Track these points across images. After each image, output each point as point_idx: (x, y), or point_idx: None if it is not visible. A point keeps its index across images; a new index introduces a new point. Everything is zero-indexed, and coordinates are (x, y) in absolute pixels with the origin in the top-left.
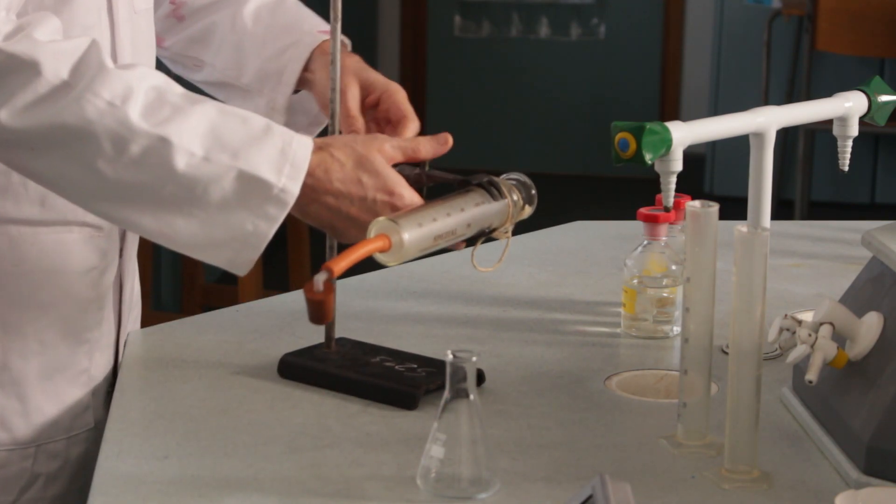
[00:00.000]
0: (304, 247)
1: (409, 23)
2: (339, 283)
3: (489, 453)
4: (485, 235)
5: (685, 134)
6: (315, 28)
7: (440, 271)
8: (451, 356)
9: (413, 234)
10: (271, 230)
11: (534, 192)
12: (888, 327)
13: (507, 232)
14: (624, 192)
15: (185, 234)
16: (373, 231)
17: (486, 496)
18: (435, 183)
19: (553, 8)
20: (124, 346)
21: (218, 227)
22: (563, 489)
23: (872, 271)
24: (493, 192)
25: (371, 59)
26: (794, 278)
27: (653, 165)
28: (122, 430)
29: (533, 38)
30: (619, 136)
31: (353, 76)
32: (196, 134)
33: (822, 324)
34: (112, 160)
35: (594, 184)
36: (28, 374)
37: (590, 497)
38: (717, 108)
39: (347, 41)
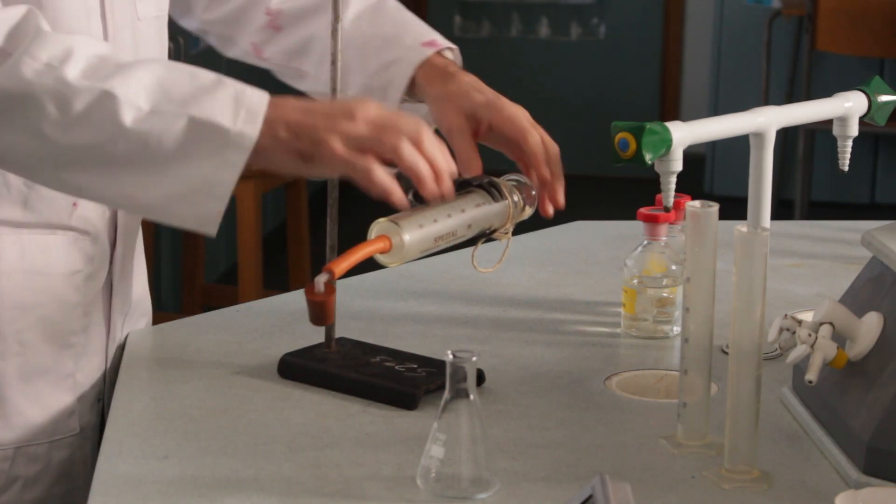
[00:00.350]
0: (304, 247)
1: None
2: (340, 284)
3: (489, 453)
4: (485, 236)
5: (685, 134)
6: (419, 40)
7: (440, 271)
8: (451, 356)
9: (414, 235)
10: (234, 177)
11: (534, 192)
12: (888, 327)
13: (507, 233)
14: (624, 192)
15: (144, 193)
16: (373, 232)
17: (486, 496)
18: None
19: (553, 8)
20: (117, 351)
21: (177, 180)
22: (563, 489)
23: (872, 271)
24: (494, 193)
25: None
26: (794, 278)
27: (653, 165)
28: (122, 430)
29: (533, 38)
30: (619, 136)
31: (456, 108)
32: (142, 88)
33: (822, 324)
34: (57, 122)
35: (594, 184)
36: (6, 375)
37: (590, 497)
38: (717, 108)
39: (456, 54)
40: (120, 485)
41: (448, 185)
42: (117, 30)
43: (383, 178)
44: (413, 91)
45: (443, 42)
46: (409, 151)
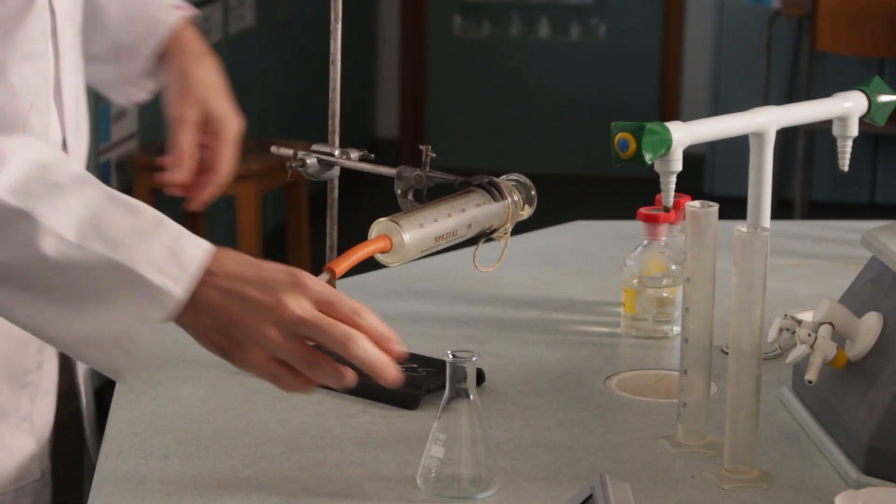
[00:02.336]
0: (304, 247)
1: (409, 23)
2: (340, 283)
3: (489, 453)
4: (486, 236)
5: (685, 134)
6: (168, 1)
7: (440, 271)
8: (450, 356)
9: (414, 234)
10: (148, 333)
11: (533, 192)
12: (888, 327)
13: (506, 232)
14: (624, 192)
15: (54, 326)
16: (374, 232)
17: (486, 496)
18: (435, 183)
19: (553, 8)
20: (74, 387)
21: (89, 322)
22: (563, 489)
23: (872, 271)
24: (494, 192)
25: (371, 59)
26: (794, 278)
27: (653, 165)
28: (122, 430)
29: (533, 38)
30: (619, 136)
31: (193, 101)
32: (71, 217)
33: (821, 324)
34: None
35: (594, 184)
36: None
37: (590, 497)
38: (717, 108)
39: (198, 13)
40: (120, 485)
41: (397, 347)
42: (65, 49)
43: (301, 387)
44: (160, 56)
45: (189, 7)
46: (357, 350)
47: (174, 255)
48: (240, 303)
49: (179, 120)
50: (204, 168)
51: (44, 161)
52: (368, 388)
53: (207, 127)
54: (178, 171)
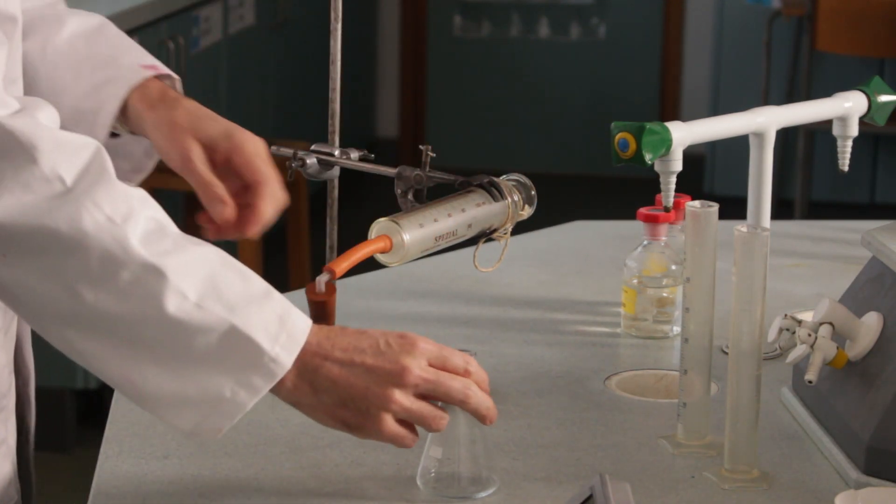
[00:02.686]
0: (304, 247)
1: (409, 23)
2: (339, 283)
3: (488, 453)
4: (486, 236)
5: (685, 134)
6: (137, 62)
7: (440, 271)
8: None
9: (414, 234)
10: (251, 402)
11: (533, 192)
12: (888, 327)
13: (506, 232)
14: (624, 192)
15: (153, 384)
16: (374, 232)
17: (485, 495)
18: (435, 183)
19: (553, 8)
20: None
21: (192, 384)
22: (563, 489)
23: (872, 271)
24: (494, 192)
25: (371, 59)
26: (794, 278)
27: (653, 165)
28: (122, 430)
29: (533, 38)
30: (619, 136)
31: (188, 134)
32: (194, 276)
33: (821, 324)
34: (96, 282)
35: (594, 184)
36: None
37: (590, 497)
38: (717, 108)
39: (176, 77)
40: (120, 485)
41: (493, 417)
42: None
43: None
44: (128, 118)
45: (164, 69)
46: (475, 400)
47: (284, 324)
48: (363, 374)
49: (184, 158)
50: (239, 193)
51: (157, 216)
52: None
53: (216, 154)
54: (220, 206)
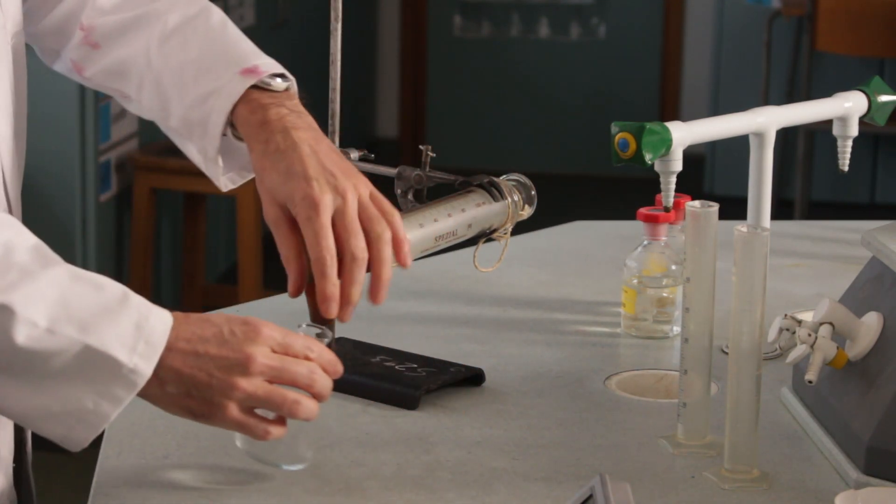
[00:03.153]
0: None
1: (409, 23)
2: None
3: (307, 432)
4: (486, 236)
5: (685, 134)
6: (236, 67)
7: (440, 271)
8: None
9: (414, 234)
10: (114, 411)
11: (533, 192)
12: (888, 327)
13: (506, 232)
14: (624, 192)
15: (14, 400)
16: None
17: (293, 469)
18: (435, 183)
19: (553, 8)
20: None
21: (53, 398)
22: (563, 489)
23: (872, 271)
24: (494, 192)
25: (371, 59)
26: (794, 278)
27: (653, 165)
28: (122, 430)
29: (533, 38)
30: (619, 136)
31: (267, 196)
32: (42, 302)
33: (821, 324)
34: None
35: (594, 184)
36: None
37: (590, 497)
38: (717, 108)
39: (290, 84)
40: (120, 485)
41: (340, 369)
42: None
43: (277, 434)
44: (235, 131)
45: (266, 67)
46: (306, 408)
47: (141, 332)
48: (206, 363)
49: (268, 221)
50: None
51: (6, 240)
52: (368, 389)
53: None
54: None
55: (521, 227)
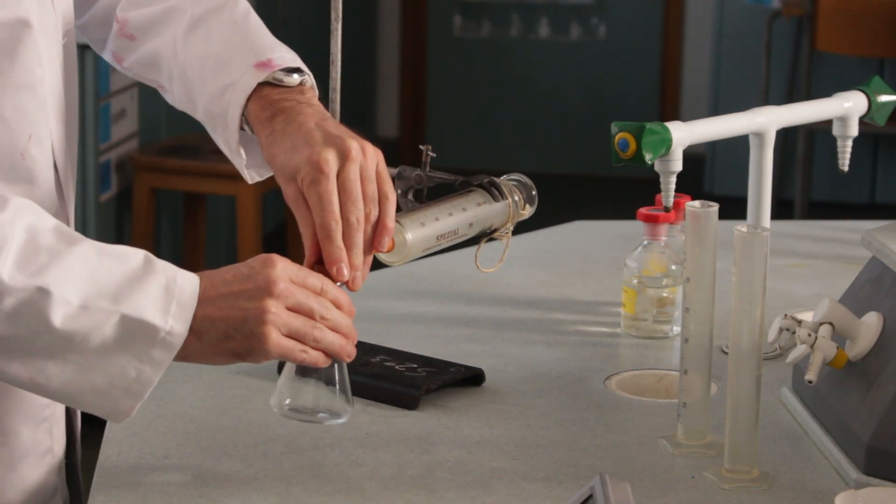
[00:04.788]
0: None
1: (409, 23)
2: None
3: (344, 381)
4: (486, 236)
5: (685, 134)
6: (251, 61)
7: (440, 271)
8: None
9: (416, 233)
10: (157, 375)
11: (534, 192)
12: (888, 327)
13: (507, 232)
14: (624, 192)
15: (58, 381)
16: None
17: (335, 423)
18: (435, 183)
19: (553, 8)
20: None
21: (97, 372)
22: (563, 489)
23: (872, 271)
24: (495, 192)
25: (371, 59)
26: (794, 278)
27: (653, 165)
28: (122, 430)
29: (533, 38)
30: (619, 136)
31: (280, 174)
32: (73, 279)
33: (821, 324)
34: None
35: (594, 184)
36: None
37: (590, 497)
38: (717, 108)
39: (308, 77)
40: (120, 485)
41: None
42: (57, 71)
43: (316, 358)
44: (250, 126)
45: (280, 61)
46: (328, 341)
47: (171, 294)
48: (234, 300)
49: (288, 201)
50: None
51: (29, 224)
52: (368, 388)
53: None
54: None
55: (521, 227)
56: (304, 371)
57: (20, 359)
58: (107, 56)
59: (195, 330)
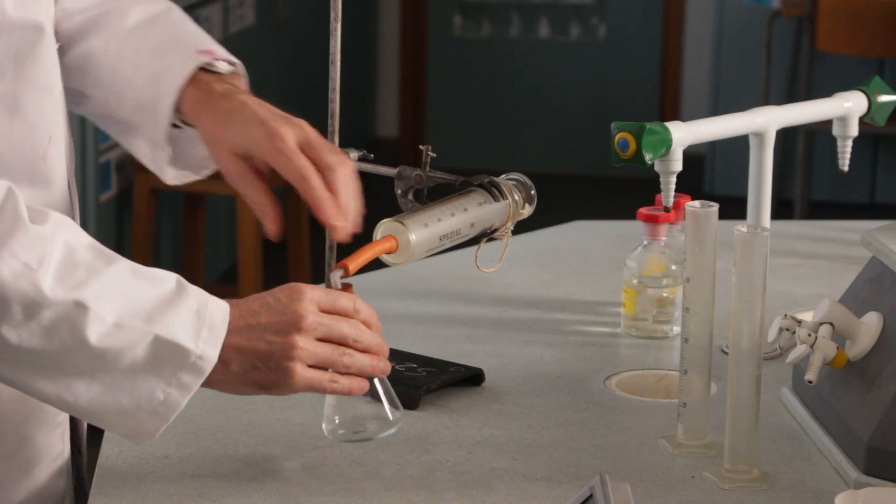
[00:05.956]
0: (303, 247)
1: (409, 23)
2: None
3: (388, 391)
4: (487, 236)
5: (685, 134)
6: (194, 47)
7: (440, 271)
8: None
9: (419, 234)
10: (184, 399)
11: (533, 192)
12: (888, 327)
13: (507, 232)
14: (624, 192)
15: (84, 399)
16: (379, 232)
17: (385, 435)
18: (435, 183)
19: (553, 8)
20: None
21: (124, 393)
22: (563, 489)
23: (872, 271)
24: (495, 192)
25: (371, 59)
26: (794, 278)
27: (653, 165)
28: None
29: (533, 39)
30: (619, 136)
31: (223, 149)
32: (111, 297)
33: (821, 324)
34: (19, 325)
35: (594, 184)
36: (8, 476)
37: (590, 497)
38: (717, 108)
39: (239, 68)
40: (120, 485)
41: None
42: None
43: (352, 385)
44: (188, 111)
45: (222, 53)
46: (359, 365)
47: (202, 319)
48: (262, 333)
49: (227, 176)
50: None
51: (68, 240)
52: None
53: (257, 162)
54: (269, 223)
55: (521, 227)
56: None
57: (49, 375)
58: None
59: (222, 358)
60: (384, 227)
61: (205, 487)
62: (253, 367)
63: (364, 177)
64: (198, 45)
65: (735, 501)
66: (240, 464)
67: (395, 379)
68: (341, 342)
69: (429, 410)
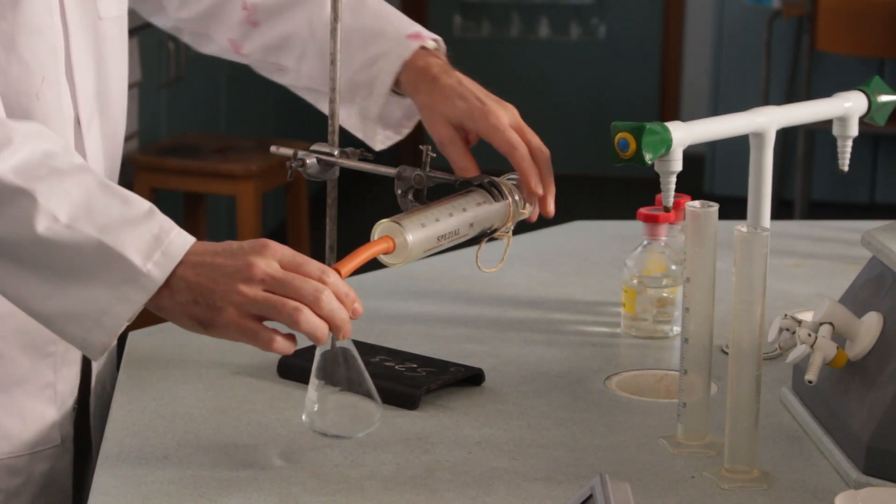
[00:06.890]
0: (304, 247)
1: None
2: None
3: (366, 384)
4: (487, 236)
5: (685, 134)
6: (403, 32)
7: (440, 271)
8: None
9: (417, 234)
10: (128, 314)
11: None
12: (888, 327)
13: (507, 232)
14: (624, 192)
15: (37, 300)
16: (376, 233)
17: (363, 434)
18: (435, 183)
19: (553, 8)
20: (108, 356)
21: (71, 299)
22: (563, 489)
23: (872, 271)
24: (495, 192)
25: None
26: (794, 278)
27: (653, 165)
28: (122, 430)
29: (533, 39)
30: (619, 136)
31: (441, 119)
32: (66, 200)
33: (821, 324)
34: None
35: (594, 184)
36: None
37: (590, 497)
38: (717, 108)
39: (440, 44)
40: (120, 485)
41: (359, 307)
42: (78, 27)
43: (283, 346)
44: (399, 88)
45: (427, 33)
46: (306, 319)
47: (160, 243)
48: (212, 272)
49: (440, 144)
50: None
51: (49, 150)
52: None
53: (469, 134)
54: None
55: (521, 227)
56: (326, 377)
57: (9, 267)
58: (213, 48)
59: (170, 285)
60: (381, 227)
61: (205, 487)
62: (194, 301)
63: (364, 177)
64: (405, 28)
65: (735, 501)
66: (240, 464)
67: (395, 379)
68: (296, 298)
69: (429, 410)
